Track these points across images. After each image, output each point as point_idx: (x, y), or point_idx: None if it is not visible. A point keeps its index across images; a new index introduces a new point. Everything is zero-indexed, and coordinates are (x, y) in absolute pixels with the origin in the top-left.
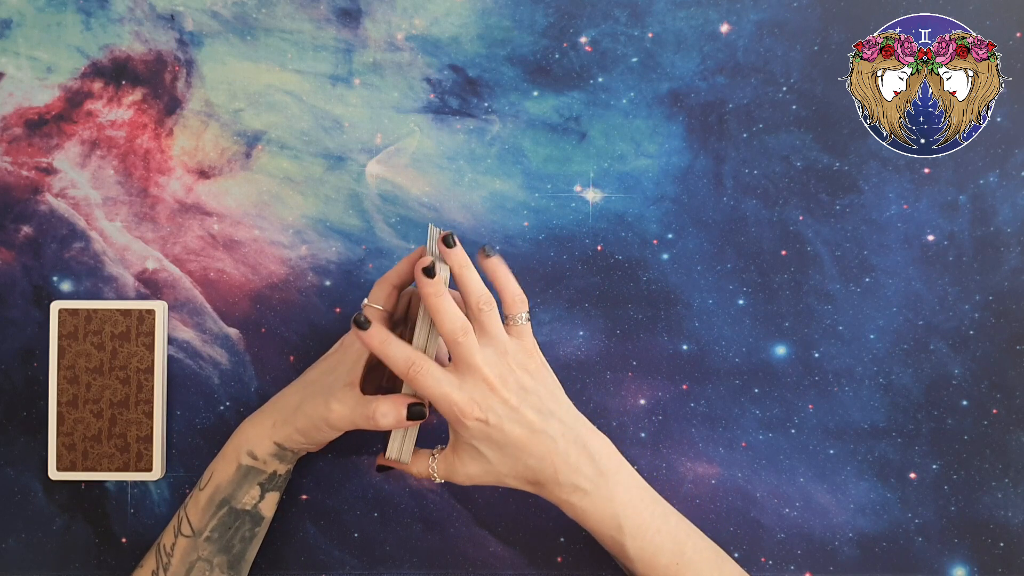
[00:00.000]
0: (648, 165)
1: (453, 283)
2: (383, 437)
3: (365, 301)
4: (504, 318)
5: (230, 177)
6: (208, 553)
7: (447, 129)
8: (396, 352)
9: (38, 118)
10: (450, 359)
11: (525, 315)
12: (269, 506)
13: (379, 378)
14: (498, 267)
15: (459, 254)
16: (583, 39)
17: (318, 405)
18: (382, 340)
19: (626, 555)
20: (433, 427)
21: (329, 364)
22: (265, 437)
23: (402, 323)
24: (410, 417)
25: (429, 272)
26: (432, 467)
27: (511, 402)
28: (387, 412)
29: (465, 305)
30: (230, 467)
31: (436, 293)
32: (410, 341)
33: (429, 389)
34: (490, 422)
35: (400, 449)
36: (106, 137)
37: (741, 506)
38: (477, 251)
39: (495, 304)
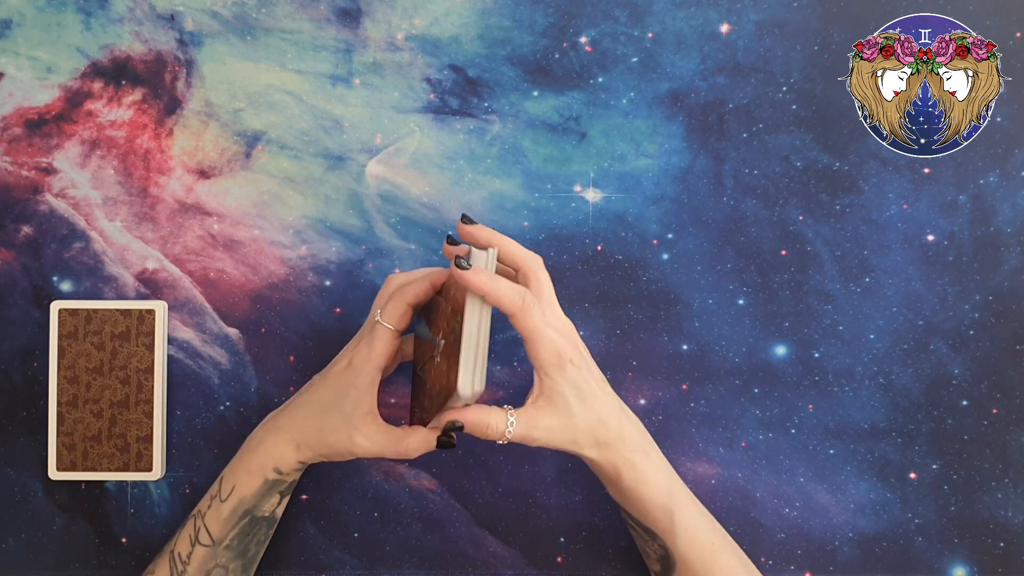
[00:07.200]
0: (648, 165)
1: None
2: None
3: (377, 317)
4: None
5: (230, 177)
6: (226, 560)
7: (447, 129)
8: (507, 287)
9: (38, 118)
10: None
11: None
12: (282, 507)
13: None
14: (488, 231)
15: (487, 231)
16: (583, 39)
17: (342, 438)
18: (490, 277)
19: (672, 527)
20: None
21: (341, 386)
22: (291, 457)
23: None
24: (440, 446)
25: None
26: (510, 421)
27: (586, 356)
28: (419, 447)
29: (520, 270)
30: (255, 482)
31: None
32: (457, 355)
33: (536, 325)
34: (581, 369)
35: (472, 382)
36: (106, 137)
37: (741, 506)
38: (458, 221)
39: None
